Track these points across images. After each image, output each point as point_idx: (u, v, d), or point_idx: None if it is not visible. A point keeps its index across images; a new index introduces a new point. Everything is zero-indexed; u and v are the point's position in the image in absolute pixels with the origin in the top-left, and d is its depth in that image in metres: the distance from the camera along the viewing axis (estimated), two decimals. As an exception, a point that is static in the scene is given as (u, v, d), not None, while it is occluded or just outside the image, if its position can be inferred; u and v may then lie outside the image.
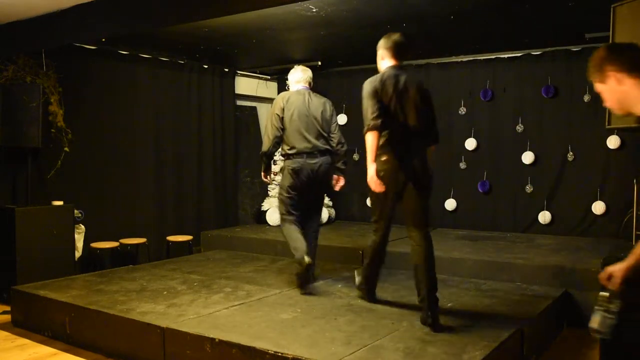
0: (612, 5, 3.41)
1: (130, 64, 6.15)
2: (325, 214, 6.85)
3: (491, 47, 6.14)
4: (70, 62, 5.53)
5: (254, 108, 7.80)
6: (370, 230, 3.88)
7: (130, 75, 6.16)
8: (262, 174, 4.56)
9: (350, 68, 7.31)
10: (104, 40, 5.37)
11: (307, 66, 5.40)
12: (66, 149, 5.44)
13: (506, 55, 6.28)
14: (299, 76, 4.54)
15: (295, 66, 4.68)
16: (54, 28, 4.62)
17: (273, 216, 6.98)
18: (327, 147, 4.44)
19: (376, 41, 5.76)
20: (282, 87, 7.66)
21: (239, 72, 7.47)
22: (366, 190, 3.78)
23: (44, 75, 5.26)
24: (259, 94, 7.75)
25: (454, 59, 6.61)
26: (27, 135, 4.98)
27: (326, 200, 7.13)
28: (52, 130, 5.34)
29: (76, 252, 5.30)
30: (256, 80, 7.74)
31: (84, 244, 5.42)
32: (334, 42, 5.78)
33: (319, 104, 4.47)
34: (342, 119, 7.34)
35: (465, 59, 6.55)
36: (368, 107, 3.51)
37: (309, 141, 4.31)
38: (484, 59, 6.42)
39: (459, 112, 6.56)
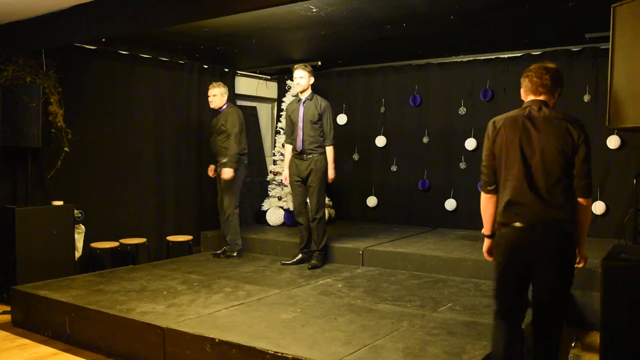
0: (612, 5, 3.40)
1: (130, 64, 6.15)
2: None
3: (491, 47, 6.14)
4: (70, 62, 5.53)
5: (254, 108, 7.79)
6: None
7: (130, 75, 6.15)
8: (234, 172, 5.52)
9: (350, 68, 7.32)
10: (104, 40, 5.37)
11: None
12: (66, 149, 5.44)
13: (506, 55, 6.27)
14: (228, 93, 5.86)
15: (217, 83, 5.82)
16: (54, 28, 4.62)
17: (273, 216, 6.98)
18: None
19: (376, 41, 5.81)
20: (282, 87, 7.66)
21: (239, 72, 7.47)
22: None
23: (44, 75, 5.26)
24: (259, 94, 7.75)
25: (454, 59, 6.61)
26: (27, 135, 4.98)
27: (326, 200, 7.13)
28: (52, 130, 5.33)
29: (76, 252, 5.29)
30: (256, 80, 7.74)
31: (84, 244, 5.41)
32: (334, 42, 5.78)
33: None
34: (342, 118, 7.35)
35: (465, 59, 6.55)
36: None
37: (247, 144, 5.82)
38: (484, 59, 6.42)
39: (459, 112, 6.55)
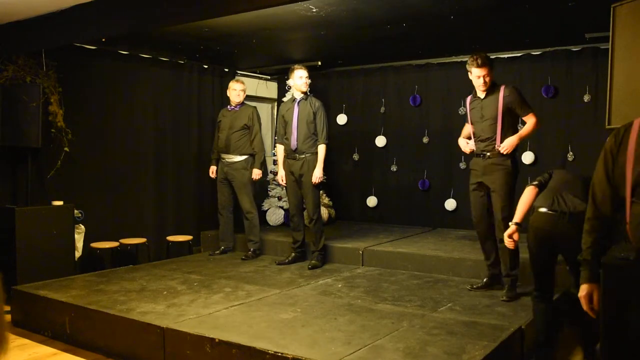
0: (612, 5, 3.41)
1: (130, 64, 6.15)
2: (324, 214, 6.85)
3: (491, 47, 6.13)
4: (70, 62, 5.53)
5: (254, 108, 7.78)
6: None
7: (130, 75, 6.15)
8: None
9: (350, 68, 7.32)
10: (104, 40, 5.37)
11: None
12: (66, 149, 5.44)
13: (506, 55, 6.27)
14: None
15: (242, 79, 6.02)
16: (54, 28, 4.62)
17: (273, 216, 6.98)
18: None
19: (376, 41, 5.81)
20: (282, 87, 7.66)
21: (239, 72, 7.46)
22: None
23: (44, 75, 5.26)
24: (259, 94, 7.74)
25: (454, 59, 6.60)
26: (27, 135, 4.98)
27: (326, 200, 7.13)
28: (52, 130, 5.33)
29: (76, 252, 5.29)
30: (256, 80, 7.74)
31: (84, 244, 5.41)
32: (334, 42, 5.78)
33: None
34: (342, 118, 7.35)
35: (465, 59, 6.52)
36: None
37: None
38: (484, 59, 6.41)
39: (459, 112, 6.55)
